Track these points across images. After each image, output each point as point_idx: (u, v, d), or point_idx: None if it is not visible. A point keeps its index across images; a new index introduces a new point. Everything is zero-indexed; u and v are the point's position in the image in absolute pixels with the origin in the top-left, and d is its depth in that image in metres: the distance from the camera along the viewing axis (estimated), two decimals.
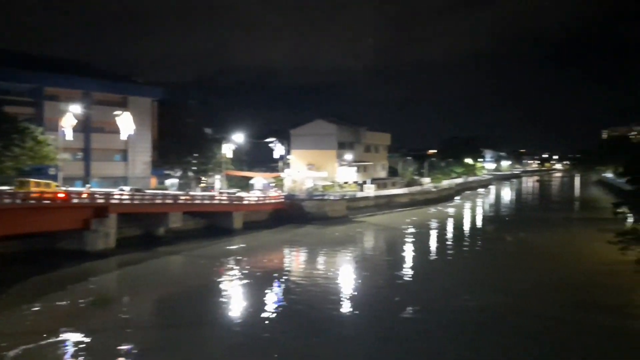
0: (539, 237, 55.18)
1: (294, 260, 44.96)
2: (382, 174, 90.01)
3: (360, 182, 79.46)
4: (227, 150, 66.44)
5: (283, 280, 35.50)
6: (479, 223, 71.13)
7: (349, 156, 77.96)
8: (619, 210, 34.32)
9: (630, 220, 38.21)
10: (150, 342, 23.13)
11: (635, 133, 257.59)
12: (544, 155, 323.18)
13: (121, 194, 46.18)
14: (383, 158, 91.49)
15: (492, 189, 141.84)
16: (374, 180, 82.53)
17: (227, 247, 46.81)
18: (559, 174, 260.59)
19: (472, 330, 24.70)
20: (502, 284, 34.23)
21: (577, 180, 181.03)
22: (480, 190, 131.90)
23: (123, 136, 51.98)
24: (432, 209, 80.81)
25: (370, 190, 77.89)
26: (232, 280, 35.64)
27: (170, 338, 23.68)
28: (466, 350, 22.19)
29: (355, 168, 79.59)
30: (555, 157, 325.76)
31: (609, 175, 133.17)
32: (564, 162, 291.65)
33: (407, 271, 38.81)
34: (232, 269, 38.46)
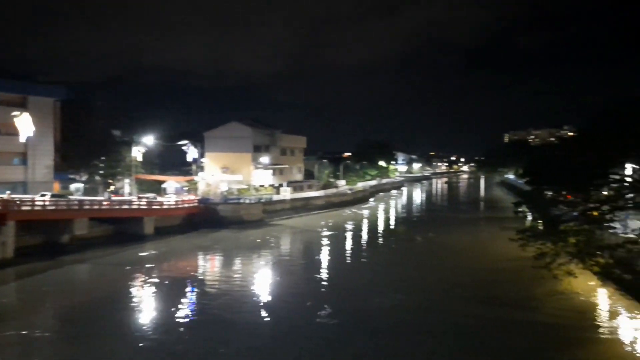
0: (447, 236, 57.69)
1: (208, 266, 43.92)
2: (299, 176, 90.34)
3: (277, 185, 79.24)
4: (136, 153, 63.72)
5: (196, 287, 34.51)
6: (391, 224, 73.16)
7: (264, 159, 77.47)
8: (519, 209, 36.37)
9: (529, 218, 40.71)
10: (51, 358, 21.58)
11: (534, 137, 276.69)
12: (452, 158, 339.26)
13: (20, 200, 42.97)
14: (299, 161, 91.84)
15: (405, 190, 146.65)
16: (290, 183, 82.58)
17: (138, 254, 44.82)
18: (465, 176, 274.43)
19: (387, 330, 25.26)
20: (414, 283, 35.46)
21: (482, 182, 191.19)
22: (393, 192, 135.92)
23: (22, 138, 48.62)
24: (348, 211, 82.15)
25: (286, 193, 77.84)
26: (142, 288, 34.13)
27: (74, 352, 22.22)
28: (380, 352, 22.63)
29: (271, 171, 79.24)
30: (463, 159, 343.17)
31: (511, 176, 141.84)
32: (470, 164, 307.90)
33: (322, 274, 39.10)
34: (142, 276, 36.82)
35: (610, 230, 34.06)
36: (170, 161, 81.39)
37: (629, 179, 30.95)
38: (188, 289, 33.81)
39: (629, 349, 23.16)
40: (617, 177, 31.27)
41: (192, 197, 64.82)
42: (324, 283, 36.26)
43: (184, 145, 76.18)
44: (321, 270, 40.31)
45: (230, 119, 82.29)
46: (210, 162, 77.73)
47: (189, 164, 77.26)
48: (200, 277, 38.27)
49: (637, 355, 22.64)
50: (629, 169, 32.31)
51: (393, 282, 35.69)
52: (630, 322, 26.93)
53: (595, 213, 30.76)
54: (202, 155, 78.14)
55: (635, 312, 28.06)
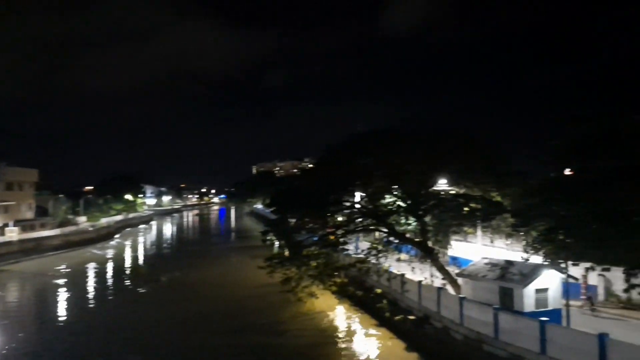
0: (197, 271, 56.72)
1: None
2: (29, 214, 79.50)
3: (1, 224, 68.28)
4: None
5: None
6: (139, 261, 69.07)
7: None
8: (266, 237, 37.83)
9: (276, 245, 42.69)
10: None
11: (279, 168, 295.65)
12: (203, 190, 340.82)
13: None
14: (29, 197, 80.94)
15: (154, 224, 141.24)
16: (17, 223, 71.96)
17: None
18: (217, 207, 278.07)
19: None
20: (157, 327, 33.60)
21: (232, 212, 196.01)
22: (142, 226, 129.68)
23: None
24: (91, 250, 75.22)
25: (13, 234, 67.57)
26: None
27: None
28: None
29: None
30: (214, 190, 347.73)
31: (259, 206, 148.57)
32: (221, 196, 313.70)
33: (52, 331, 33.91)
34: None
35: (345, 252, 37.80)
36: None
37: (357, 205, 34.74)
38: None
39: (363, 357, 25.59)
40: (348, 203, 34.86)
41: None
42: (53, 339, 31.90)
43: None
44: (49, 325, 35.48)
45: None
46: None
47: None
48: None
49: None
50: (357, 196, 36.30)
51: (138, 330, 33.26)
52: (362, 331, 29.98)
53: (332, 237, 33.69)
54: None
55: (367, 323, 31.35)
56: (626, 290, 19.00)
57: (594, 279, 27.91)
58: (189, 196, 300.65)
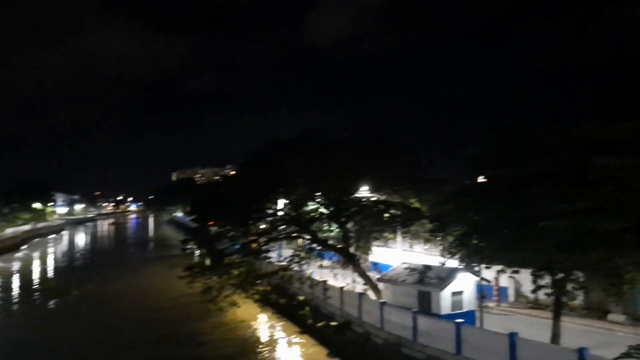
0: (112, 283, 53.99)
1: None
2: None
3: None
4: None
5: None
6: (49, 274, 65.05)
7: None
8: (187, 246, 36.80)
9: (197, 254, 41.61)
10: None
11: (200, 175, 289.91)
12: (119, 197, 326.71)
13: None
14: None
15: (65, 234, 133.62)
16: None
17: None
18: (134, 215, 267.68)
19: None
20: (67, 344, 31.51)
21: (151, 221, 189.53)
22: (52, 236, 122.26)
23: None
24: None
25: None
26: None
27: None
28: None
29: None
30: (131, 198, 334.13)
31: (179, 214, 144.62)
32: (139, 204, 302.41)
33: None
34: None
35: (267, 260, 37.50)
36: None
37: (280, 213, 34.63)
38: None
39: None
40: (271, 211, 34.67)
41: None
42: None
43: None
44: None
45: None
46: None
47: None
48: None
49: None
50: (280, 203, 36.18)
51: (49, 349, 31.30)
52: (285, 340, 29.84)
53: (254, 245, 33.33)
54: None
55: (290, 330, 31.24)
56: (533, 291, 20.13)
57: (505, 281, 29.40)
58: (104, 204, 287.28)
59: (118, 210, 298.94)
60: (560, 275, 19.02)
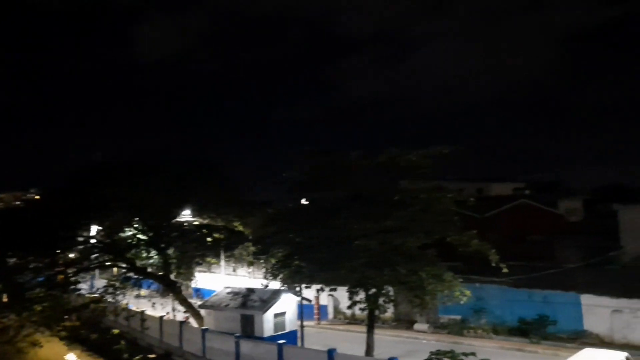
0: None
1: None
2: None
3: None
4: None
5: None
6: None
7: None
8: None
9: None
10: None
11: None
12: None
13: None
14: None
15: None
16: None
17: None
18: None
19: None
20: None
21: None
22: None
23: None
24: None
25: None
26: None
27: None
28: None
29: None
30: None
31: None
32: None
33: None
34: None
35: (77, 292, 34.20)
36: None
37: (93, 240, 31.95)
38: None
39: None
40: (82, 238, 31.80)
41: None
42: None
43: None
44: None
45: None
46: None
47: None
48: None
49: None
50: (93, 230, 33.37)
51: None
52: None
53: (61, 277, 30.19)
54: None
55: None
56: (350, 307, 21.26)
57: (325, 299, 30.66)
58: None
59: None
60: (373, 290, 20.35)
